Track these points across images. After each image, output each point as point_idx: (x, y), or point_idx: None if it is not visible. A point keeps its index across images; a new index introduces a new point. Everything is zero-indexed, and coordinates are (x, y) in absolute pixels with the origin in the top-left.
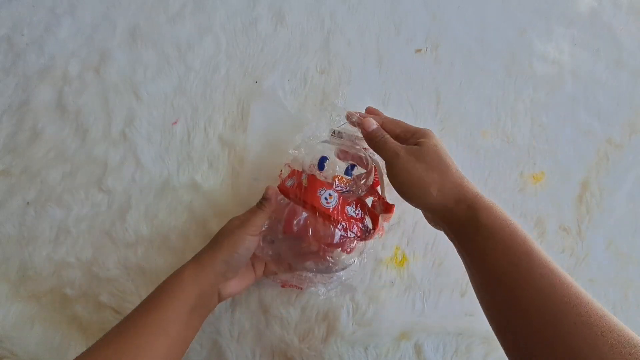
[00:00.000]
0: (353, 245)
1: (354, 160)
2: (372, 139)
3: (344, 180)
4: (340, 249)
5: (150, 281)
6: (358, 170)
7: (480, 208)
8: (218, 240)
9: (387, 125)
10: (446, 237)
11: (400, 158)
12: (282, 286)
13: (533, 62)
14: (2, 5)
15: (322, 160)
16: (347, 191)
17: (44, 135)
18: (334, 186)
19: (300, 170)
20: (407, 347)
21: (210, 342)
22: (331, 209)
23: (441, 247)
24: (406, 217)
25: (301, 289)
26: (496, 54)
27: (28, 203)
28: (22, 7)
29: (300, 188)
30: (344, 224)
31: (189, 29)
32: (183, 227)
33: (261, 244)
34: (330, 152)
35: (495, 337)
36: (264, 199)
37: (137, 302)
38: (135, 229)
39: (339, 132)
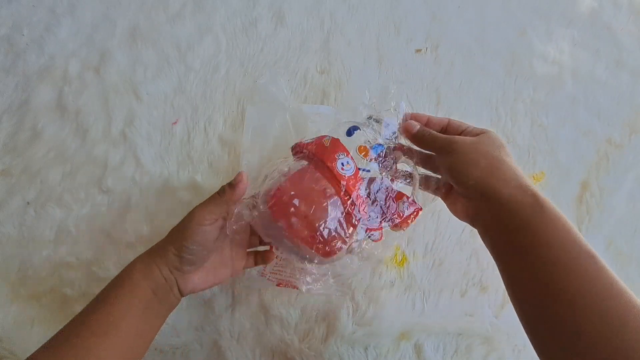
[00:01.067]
0: (342, 245)
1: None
2: (420, 139)
3: (368, 156)
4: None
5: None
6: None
7: (545, 200)
8: (171, 231)
9: (434, 124)
10: (446, 237)
11: (456, 142)
12: (278, 285)
13: (533, 62)
14: (2, 5)
15: (353, 129)
16: (367, 170)
17: (44, 135)
18: (354, 158)
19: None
20: (407, 347)
21: (210, 342)
22: (346, 176)
23: (441, 247)
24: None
25: (297, 288)
26: (496, 54)
27: (28, 203)
28: (22, 7)
29: (319, 147)
30: (353, 199)
31: (189, 29)
32: None
33: (242, 211)
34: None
35: (495, 337)
36: (229, 184)
37: None
38: (135, 229)
39: (376, 119)
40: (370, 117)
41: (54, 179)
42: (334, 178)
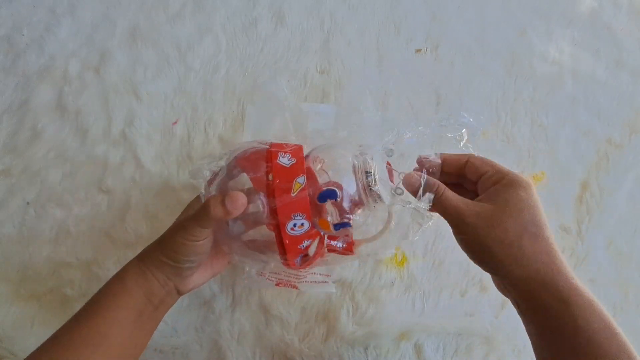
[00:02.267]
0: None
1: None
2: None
3: (328, 228)
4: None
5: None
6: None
7: (576, 304)
8: (163, 239)
9: (451, 165)
10: (446, 237)
11: (466, 224)
12: (277, 285)
13: (533, 62)
14: (2, 5)
15: (328, 195)
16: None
17: (44, 135)
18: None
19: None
20: (407, 347)
21: (210, 342)
22: (292, 236)
23: (441, 247)
24: (406, 217)
25: (296, 287)
26: (496, 54)
27: (28, 203)
28: (22, 7)
29: (282, 192)
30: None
31: (189, 29)
32: None
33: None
34: (351, 182)
35: (495, 337)
36: (222, 202)
37: None
38: (135, 229)
39: (373, 179)
40: (367, 175)
41: (54, 179)
42: (279, 236)
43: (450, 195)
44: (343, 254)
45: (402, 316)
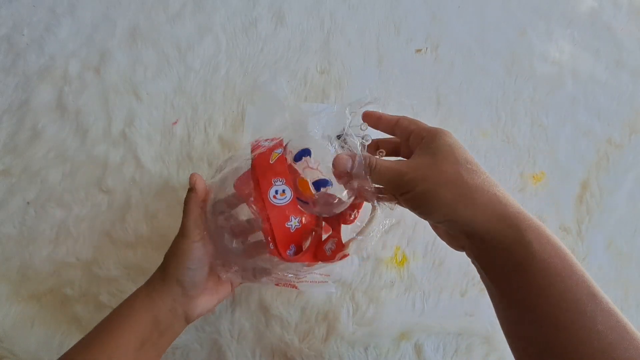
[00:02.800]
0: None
1: (359, 196)
2: (357, 175)
3: (309, 192)
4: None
5: None
6: (334, 191)
7: (528, 229)
8: (165, 257)
9: (385, 123)
10: None
11: (406, 181)
12: (277, 285)
13: (533, 62)
14: (2, 5)
15: (303, 153)
16: (306, 203)
17: (44, 135)
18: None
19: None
20: (407, 347)
21: (210, 342)
22: (276, 206)
23: (441, 247)
24: (406, 217)
25: (295, 287)
26: (496, 54)
27: (28, 203)
28: (22, 7)
29: (262, 161)
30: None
31: (189, 29)
32: None
33: (208, 216)
34: (319, 149)
35: (495, 337)
36: (189, 190)
37: None
38: (135, 229)
39: (344, 138)
40: (339, 136)
41: (54, 179)
42: (262, 205)
43: (383, 162)
44: (333, 257)
45: (402, 316)
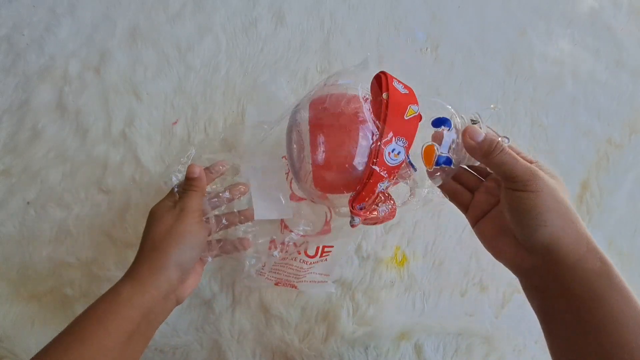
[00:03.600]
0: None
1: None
2: (489, 154)
3: (431, 165)
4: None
5: None
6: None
7: (613, 266)
8: (155, 244)
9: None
10: (446, 237)
11: (542, 179)
12: (276, 284)
13: (533, 62)
14: (2, 5)
15: (442, 122)
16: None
17: (44, 135)
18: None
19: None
20: (407, 347)
21: (211, 342)
22: (388, 164)
23: (441, 247)
24: (406, 217)
25: (295, 287)
26: (496, 54)
27: (28, 203)
28: (22, 7)
29: (397, 109)
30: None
31: (189, 29)
32: None
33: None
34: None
35: (495, 337)
36: (190, 178)
37: None
38: (135, 229)
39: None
40: (473, 121)
41: (54, 179)
42: (374, 161)
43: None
44: (383, 220)
45: (402, 316)
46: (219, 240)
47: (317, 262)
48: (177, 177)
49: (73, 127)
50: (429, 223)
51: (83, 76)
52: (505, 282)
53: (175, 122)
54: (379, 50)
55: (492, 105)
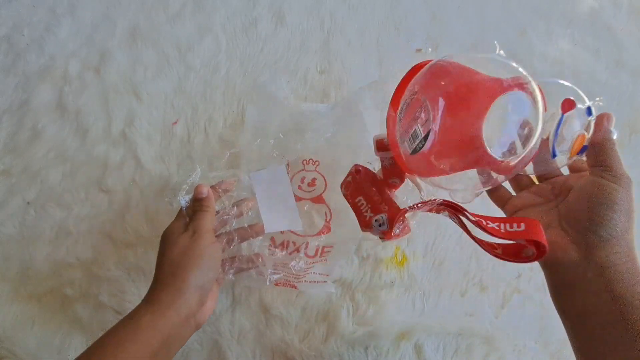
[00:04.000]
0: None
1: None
2: (606, 144)
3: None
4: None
5: (150, 281)
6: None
7: None
8: (172, 269)
9: None
10: (446, 237)
11: (632, 181)
12: (276, 284)
13: (533, 62)
14: (2, 5)
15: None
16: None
17: (44, 135)
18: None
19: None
20: (407, 347)
21: (211, 342)
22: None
23: (441, 247)
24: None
25: (295, 287)
26: None
27: (28, 203)
28: (22, 7)
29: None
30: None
31: (189, 29)
32: None
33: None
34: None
35: (495, 337)
36: (199, 199)
37: (137, 302)
38: (135, 229)
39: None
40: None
41: (54, 179)
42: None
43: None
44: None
45: (402, 316)
46: (232, 258)
47: (317, 261)
48: (185, 199)
49: (73, 127)
50: (429, 223)
51: (83, 76)
52: (505, 282)
53: (175, 122)
54: (379, 50)
55: (597, 99)
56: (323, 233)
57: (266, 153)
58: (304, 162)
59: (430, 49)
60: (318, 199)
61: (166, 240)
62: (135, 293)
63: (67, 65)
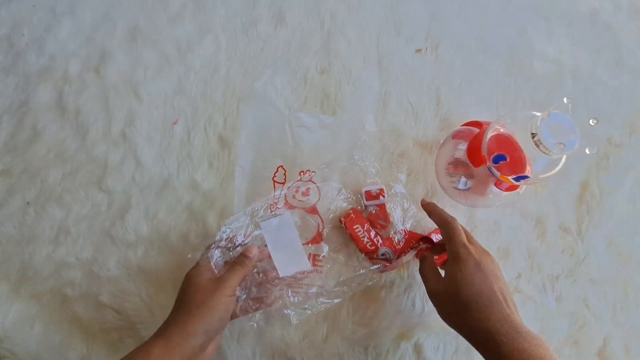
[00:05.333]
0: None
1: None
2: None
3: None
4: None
5: (150, 281)
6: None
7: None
8: (189, 309)
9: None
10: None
11: (472, 254)
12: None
13: (533, 62)
14: (2, 5)
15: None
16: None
17: (44, 135)
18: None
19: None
20: (407, 347)
21: None
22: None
23: None
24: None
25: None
26: (496, 54)
27: (28, 203)
28: (22, 7)
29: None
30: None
31: (189, 29)
32: (183, 227)
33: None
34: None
35: None
36: (246, 256)
37: (137, 302)
38: (135, 229)
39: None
40: (533, 134)
41: (54, 179)
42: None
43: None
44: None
45: (402, 316)
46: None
47: (311, 271)
48: (214, 254)
49: (73, 127)
50: (429, 223)
51: (83, 76)
52: None
53: (175, 122)
54: (379, 50)
55: (565, 99)
56: (315, 242)
57: (261, 158)
58: (301, 172)
59: (428, 48)
60: (311, 210)
61: (192, 282)
62: (135, 293)
63: (67, 65)
